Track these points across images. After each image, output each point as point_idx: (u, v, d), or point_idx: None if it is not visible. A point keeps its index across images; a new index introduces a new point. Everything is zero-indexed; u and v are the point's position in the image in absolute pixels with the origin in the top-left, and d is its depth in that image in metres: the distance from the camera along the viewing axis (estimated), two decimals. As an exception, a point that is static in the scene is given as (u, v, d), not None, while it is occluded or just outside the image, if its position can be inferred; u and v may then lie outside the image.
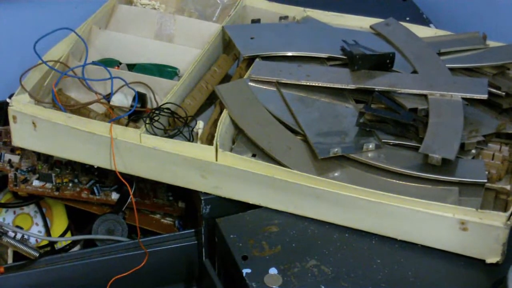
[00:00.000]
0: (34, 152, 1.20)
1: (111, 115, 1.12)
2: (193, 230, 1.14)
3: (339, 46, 1.19)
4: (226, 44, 1.27)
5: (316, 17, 1.30)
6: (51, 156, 1.20)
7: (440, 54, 1.20)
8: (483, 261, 0.99)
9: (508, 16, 1.39)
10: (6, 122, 1.17)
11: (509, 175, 1.07)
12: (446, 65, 1.17)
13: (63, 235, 1.20)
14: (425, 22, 1.40)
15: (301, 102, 1.13)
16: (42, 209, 1.21)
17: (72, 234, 1.21)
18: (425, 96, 1.11)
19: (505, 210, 1.01)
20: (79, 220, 1.23)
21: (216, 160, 1.05)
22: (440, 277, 0.98)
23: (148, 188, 1.24)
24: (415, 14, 1.43)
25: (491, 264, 0.98)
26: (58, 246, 1.19)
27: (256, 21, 1.31)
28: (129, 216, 1.20)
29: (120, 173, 1.09)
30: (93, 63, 1.19)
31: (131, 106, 1.13)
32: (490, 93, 1.12)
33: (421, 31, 1.26)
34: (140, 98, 1.14)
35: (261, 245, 1.01)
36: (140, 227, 1.14)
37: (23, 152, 1.21)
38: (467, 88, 1.12)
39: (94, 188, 1.20)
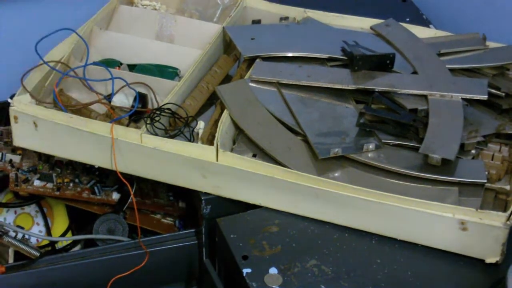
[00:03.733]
0: (35, 152, 1.21)
1: (112, 116, 1.13)
2: (193, 230, 1.14)
3: (339, 47, 1.20)
4: (227, 45, 1.27)
5: (317, 18, 1.31)
6: (52, 156, 1.20)
7: (440, 54, 1.20)
8: (483, 261, 0.99)
9: (507, 17, 1.39)
10: (7, 122, 1.17)
11: (509, 175, 1.07)
12: (446, 66, 1.17)
13: (64, 235, 1.20)
14: (425, 23, 1.40)
15: (301, 102, 1.13)
16: (43, 209, 1.21)
17: (73, 234, 1.21)
18: (425, 96, 1.11)
19: (504, 210, 1.02)
20: (80, 220, 1.23)
21: (217, 160, 1.05)
22: (440, 277, 0.98)
23: (148, 188, 1.24)
24: (415, 15, 1.44)
25: (491, 264, 0.99)
26: (58, 245, 1.19)
27: (256, 21, 1.32)
28: (130, 216, 1.20)
29: (121, 173, 1.09)
30: (94, 63, 1.19)
31: (132, 106, 1.14)
32: (489, 94, 1.12)
33: (421, 32, 1.27)
34: (141, 98, 1.14)
35: (261, 245, 1.01)
36: (141, 227, 1.14)
37: (24, 152, 1.21)
38: (467, 88, 1.12)
39: (95, 188, 1.20)
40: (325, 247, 1.01)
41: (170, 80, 1.18)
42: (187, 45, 1.26)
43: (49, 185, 1.19)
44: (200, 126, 1.10)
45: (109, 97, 1.15)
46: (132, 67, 1.22)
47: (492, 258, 0.98)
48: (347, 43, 1.19)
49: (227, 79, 1.21)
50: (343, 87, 1.14)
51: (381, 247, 1.01)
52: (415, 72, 1.17)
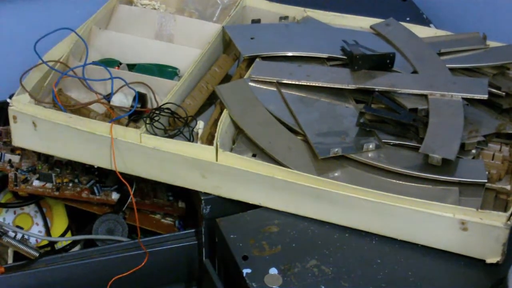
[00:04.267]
0: (34, 152, 1.21)
1: (112, 115, 1.12)
2: (193, 230, 1.14)
3: (339, 46, 1.20)
4: (226, 44, 1.27)
5: (316, 17, 1.31)
6: (51, 156, 1.20)
7: (440, 54, 1.20)
8: (483, 261, 0.99)
9: (508, 17, 1.39)
10: (6, 122, 1.17)
11: (509, 175, 1.07)
12: (446, 65, 1.17)
13: (63, 235, 1.20)
14: (425, 22, 1.40)
15: (301, 102, 1.13)
16: (42, 209, 1.21)
17: (72, 234, 1.21)
18: (425, 96, 1.11)
19: (505, 210, 1.01)
20: (79, 220, 1.23)
21: (217, 160, 1.05)
22: (440, 277, 0.98)
23: (148, 188, 1.24)
24: (415, 14, 1.44)
25: (491, 264, 0.99)
26: (58, 246, 1.19)
27: (256, 21, 1.31)
28: (129, 216, 1.20)
29: (120, 173, 1.09)
30: (94, 63, 1.19)
31: (131, 106, 1.14)
32: (490, 93, 1.12)
33: (421, 31, 1.26)
34: (141, 98, 1.14)
35: (261, 245, 1.01)
36: (140, 227, 1.14)
37: (23, 152, 1.21)
38: (467, 88, 1.12)
39: (94, 188, 1.20)
40: (325, 247, 1.01)
41: (170, 79, 1.18)
42: (187, 45, 1.26)
43: (49, 185, 1.19)
44: (200, 126, 1.10)
45: (108, 97, 1.15)
46: (131, 67, 1.22)
47: (493, 258, 0.98)
48: (347, 42, 1.19)
49: (226, 78, 1.21)
50: (343, 87, 1.14)
51: (381, 247, 1.01)
52: (415, 72, 1.17)
